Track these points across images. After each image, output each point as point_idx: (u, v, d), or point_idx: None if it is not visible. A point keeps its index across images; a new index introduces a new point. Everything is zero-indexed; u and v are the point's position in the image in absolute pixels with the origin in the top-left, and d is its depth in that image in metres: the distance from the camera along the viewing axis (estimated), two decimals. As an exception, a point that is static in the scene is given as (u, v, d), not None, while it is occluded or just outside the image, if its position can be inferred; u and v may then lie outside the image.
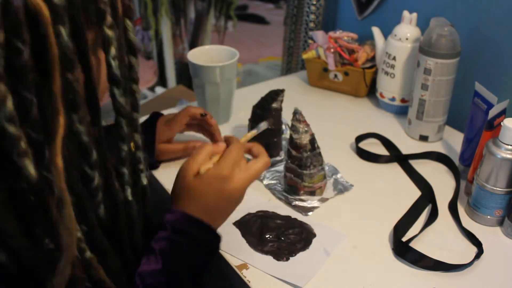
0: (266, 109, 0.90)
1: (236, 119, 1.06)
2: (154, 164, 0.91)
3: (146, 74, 2.60)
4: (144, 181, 0.61)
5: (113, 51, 0.48)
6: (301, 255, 0.74)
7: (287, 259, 0.73)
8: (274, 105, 0.90)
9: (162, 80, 2.67)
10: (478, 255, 0.73)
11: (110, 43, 0.47)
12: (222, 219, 0.66)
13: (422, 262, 0.72)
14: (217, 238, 0.64)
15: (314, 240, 0.76)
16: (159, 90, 2.50)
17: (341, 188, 0.87)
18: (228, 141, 0.68)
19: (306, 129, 0.82)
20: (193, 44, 2.67)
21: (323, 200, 0.85)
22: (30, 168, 0.39)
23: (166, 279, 0.59)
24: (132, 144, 0.56)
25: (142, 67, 2.65)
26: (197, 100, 1.06)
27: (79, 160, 0.47)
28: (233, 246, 0.75)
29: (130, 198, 0.57)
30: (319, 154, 0.83)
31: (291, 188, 0.85)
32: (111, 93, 0.50)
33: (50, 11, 0.38)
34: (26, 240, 0.42)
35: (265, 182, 0.89)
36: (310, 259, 0.73)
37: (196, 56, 1.02)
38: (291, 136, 0.83)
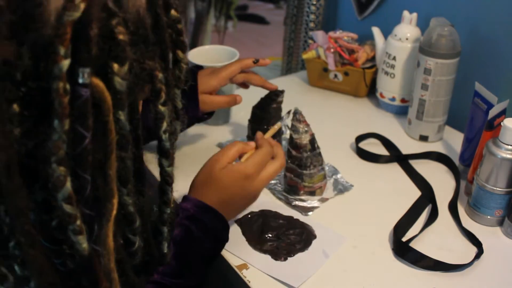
0: (265, 110, 0.90)
1: (236, 119, 1.06)
2: (202, 117, 0.91)
3: (146, 74, 2.59)
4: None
5: (164, 125, 0.48)
6: (299, 255, 0.74)
7: (285, 259, 0.73)
8: (274, 105, 0.90)
9: (162, 80, 2.67)
10: (478, 255, 0.73)
11: (162, 119, 0.48)
12: (235, 214, 0.73)
13: (422, 262, 0.72)
14: (226, 229, 0.69)
15: (314, 242, 0.76)
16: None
17: (341, 188, 0.87)
18: (258, 142, 0.73)
19: (306, 129, 0.82)
20: (193, 44, 2.67)
21: (323, 200, 0.85)
22: (84, 243, 0.40)
23: (177, 264, 0.61)
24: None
25: (142, 67, 2.66)
26: None
27: (123, 227, 0.48)
28: (233, 244, 0.75)
29: (165, 250, 0.58)
30: (319, 154, 0.83)
31: (291, 188, 0.85)
32: (160, 163, 0.51)
33: (112, 98, 0.39)
34: None
35: None
36: (308, 260, 0.73)
37: (196, 56, 1.02)
38: (291, 136, 0.83)
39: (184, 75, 0.51)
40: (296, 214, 0.81)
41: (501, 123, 0.75)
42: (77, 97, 0.36)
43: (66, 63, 0.35)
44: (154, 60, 0.44)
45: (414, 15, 1.02)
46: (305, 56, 1.19)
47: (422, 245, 0.75)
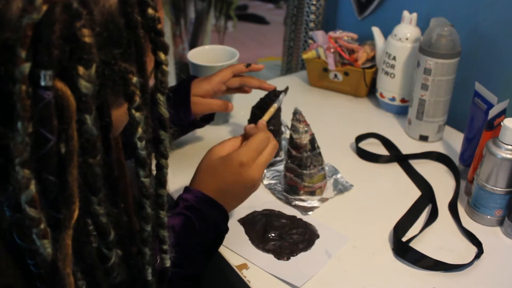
0: (265, 110, 0.90)
1: (235, 119, 1.06)
2: (198, 122, 0.91)
3: (146, 74, 2.60)
4: (167, 263, 0.59)
5: (139, 131, 0.46)
6: (302, 255, 0.74)
7: (288, 259, 0.73)
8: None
9: (162, 80, 2.67)
10: (478, 255, 0.73)
11: (137, 125, 0.46)
12: (236, 203, 0.72)
13: (422, 262, 0.72)
14: (225, 219, 0.69)
15: (317, 241, 0.76)
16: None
17: (341, 188, 0.87)
18: (251, 132, 0.73)
19: (306, 129, 0.82)
20: (193, 44, 2.67)
21: (323, 200, 0.85)
22: (48, 248, 0.39)
23: (178, 254, 0.59)
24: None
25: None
26: None
27: (97, 240, 0.46)
28: (236, 243, 0.75)
29: (149, 278, 0.56)
30: (319, 154, 0.83)
31: (291, 188, 0.85)
32: (136, 172, 0.49)
33: (77, 101, 0.38)
34: None
35: (265, 182, 0.89)
36: (311, 260, 0.73)
37: (196, 56, 1.02)
38: (291, 136, 0.83)
39: (167, 79, 0.49)
40: (298, 214, 0.81)
41: (501, 123, 0.75)
42: (39, 100, 0.36)
43: (27, 66, 0.34)
44: (129, 62, 0.43)
45: (414, 15, 1.02)
46: (305, 56, 1.19)
47: (422, 245, 0.75)
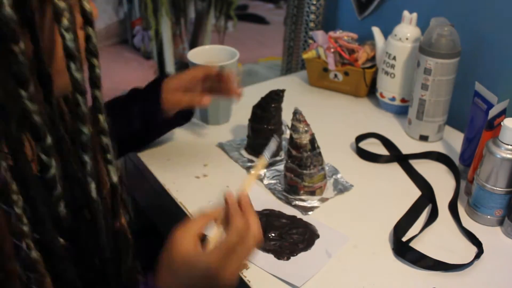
0: (266, 109, 0.90)
1: (236, 119, 1.06)
2: (175, 120, 0.89)
3: (146, 73, 2.60)
4: (114, 178, 0.53)
5: (65, 22, 0.44)
6: (302, 255, 0.74)
7: (288, 259, 0.73)
8: (274, 105, 0.90)
9: (162, 80, 2.67)
10: (478, 255, 0.73)
11: (61, 14, 0.44)
12: None
13: (422, 262, 0.72)
14: None
15: (317, 241, 0.76)
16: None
17: (341, 188, 0.87)
18: (229, 211, 0.58)
19: (306, 129, 0.82)
20: (193, 44, 2.67)
21: (323, 200, 0.85)
22: None
23: None
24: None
25: (142, 66, 2.66)
26: None
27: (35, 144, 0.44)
28: None
29: (94, 195, 0.51)
30: (319, 154, 0.83)
31: (291, 188, 0.85)
32: (67, 67, 0.46)
33: None
34: None
35: (265, 181, 0.89)
36: (311, 259, 0.73)
37: (196, 56, 1.02)
38: (291, 136, 0.83)
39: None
40: (298, 214, 0.81)
41: (501, 123, 0.75)
42: None
43: None
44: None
45: (414, 15, 1.02)
46: (305, 56, 1.19)
47: (422, 245, 0.75)
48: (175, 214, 0.85)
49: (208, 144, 0.99)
